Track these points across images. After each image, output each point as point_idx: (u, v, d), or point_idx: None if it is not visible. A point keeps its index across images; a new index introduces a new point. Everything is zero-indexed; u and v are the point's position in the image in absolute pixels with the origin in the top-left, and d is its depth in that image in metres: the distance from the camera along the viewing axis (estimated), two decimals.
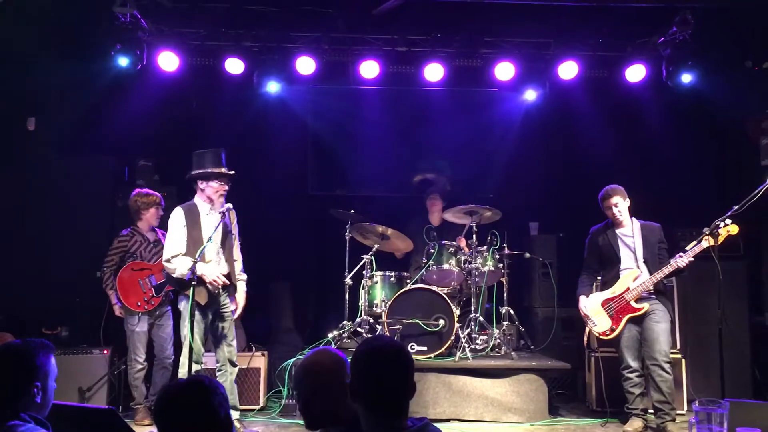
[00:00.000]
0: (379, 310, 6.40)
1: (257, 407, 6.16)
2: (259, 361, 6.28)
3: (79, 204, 6.65)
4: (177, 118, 7.48)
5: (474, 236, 6.42)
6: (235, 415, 5.24)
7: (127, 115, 6.78)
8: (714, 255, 4.95)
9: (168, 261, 5.10)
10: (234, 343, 5.36)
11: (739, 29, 6.61)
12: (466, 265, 6.45)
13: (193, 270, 4.82)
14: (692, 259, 5.19)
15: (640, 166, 7.51)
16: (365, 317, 6.40)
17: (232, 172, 5.27)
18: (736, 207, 4.78)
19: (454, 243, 6.58)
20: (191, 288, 4.79)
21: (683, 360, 6.10)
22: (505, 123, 7.81)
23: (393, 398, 2.23)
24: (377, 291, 6.53)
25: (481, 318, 6.40)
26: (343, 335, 6.36)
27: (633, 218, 5.58)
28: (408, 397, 2.26)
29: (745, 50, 6.90)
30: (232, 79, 6.98)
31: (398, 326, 6.04)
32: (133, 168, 7.11)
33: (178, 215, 5.20)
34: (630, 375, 5.41)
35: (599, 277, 5.73)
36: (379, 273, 6.59)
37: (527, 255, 6.88)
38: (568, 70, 6.94)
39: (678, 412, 5.64)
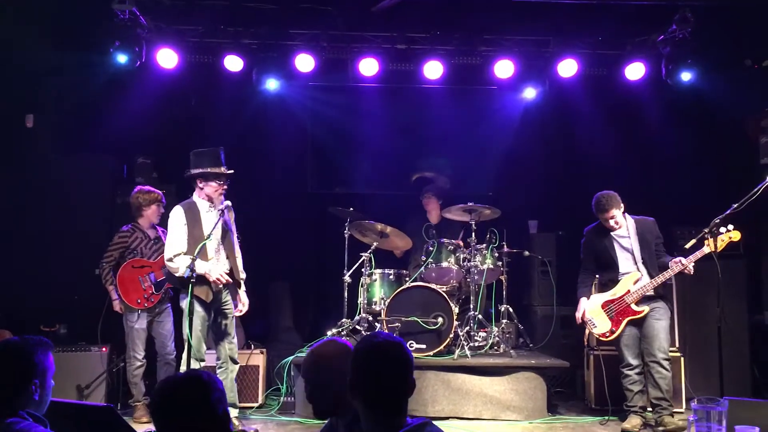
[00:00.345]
0: (378, 308, 6.39)
1: (256, 405, 6.16)
2: (258, 358, 6.28)
3: (78, 201, 6.64)
4: (176, 115, 7.47)
5: (473, 234, 6.42)
6: (234, 412, 5.24)
7: (125, 112, 6.77)
8: (714, 254, 4.94)
9: (170, 260, 5.11)
10: (235, 340, 5.37)
11: (738, 27, 6.61)
12: (465, 263, 6.45)
13: (192, 267, 4.82)
14: (693, 264, 5.20)
15: (640, 164, 7.52)
16: (364, 315, 6.40)
17: (231, 171, 5.26)
18: (735, 205, 4.78)
19: (453, 241, 6.58)
20: (189, 285, 4.78)
21: (682, 358, 6.10)
22: (504, 121, 7.79)
23: (392, 395, 2.22)
24: (376, 289, 6.53)
25: (480, 316, 6.40)
26: (342, 333, 6.36)
27: (626, 215, 5.56)
28: (407, 395, 2.25)
29: (744, 48, 6.89)
30: (231, 77, 6.97)
31: (397, 324, 6.05)
32: (132, 166, 7.10)
33: (178, 214, 5.19)
34: (629, 372, 5.42)
35: (597, 276, 5.73)
36: (378, 271, 6.59)
37: (526, 253, 6.89)
38: (567, 68, 6.93)
39: (677, 410, 5.65)
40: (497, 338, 6.35)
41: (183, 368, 4.96)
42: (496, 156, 7.97)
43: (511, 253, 6.73)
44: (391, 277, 6.59)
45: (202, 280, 5.03)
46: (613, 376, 5.64)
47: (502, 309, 6.62)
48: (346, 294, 6.48)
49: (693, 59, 6.55)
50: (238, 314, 5.42)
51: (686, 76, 6.63)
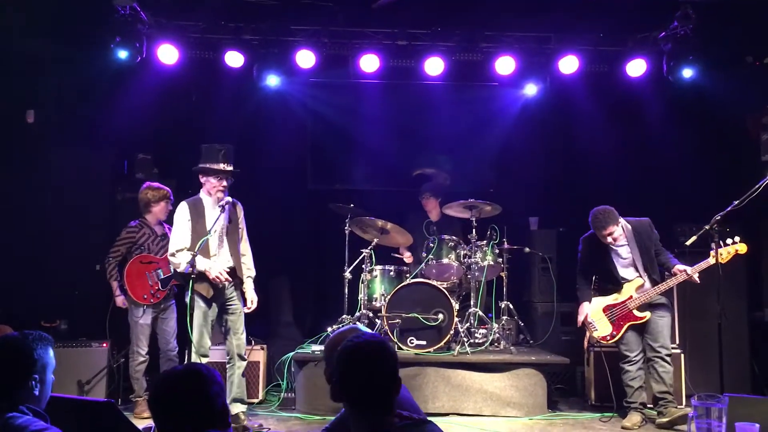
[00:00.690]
0: (378, 304, 6.40)
1: (256, 401, 6.17)
2: (259, 354, 6.29)
3: (78, 197, 6.63)
4: (176, 111, 7.46)
5: (474, 231, 6.42)
6: (242, 408, 5.29)
7: (126, 108, 6.76)
8: (714, 250, 4.94)
9: (173, 255, 5.14)
10: (243, 336, 5.37)
11: (740, 24, 6.59)
12: (465, 260, 6.45)
13: (192, 263, 4.84)
14: (698, 274, 5.20)
15: (640, 161, 7.50)
16: (364, 311, 6.40)
17: (230, 168, 5.24)
18: (736, 202, 4.77)
19: (454, 237, 6.57)
20: (190, 281, 4.80)
21: (682, 355, 6.10)
22: (505, 117, 7.78)
23: (377, 395, 2.20)
24: (376, 285, 6.54)
25: (480, 312, 6.41)
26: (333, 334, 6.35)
27: (622, 221, 5.50)
28: (393, 393, 2.22)
29: (746, 45, 6.88)
30: (232, 73, 6.96)
31: (397, 320, 6.06)
32: (133, 161, 7.10)
33: (182, 210, 5.23)
34: (630, 368, 5.42)
35: (595, 278, 5.70)
36: (379, 267, 6.59)
37: (527, 250, 6.90)
38: (568, 64, 6.92)
39: (678, 406, 5.65)
40: (497, 335, 6.35)
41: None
42: (496, 152, 7.96)
43: (512, 249, 6.73)
44: (392, 273, 6.60)
45: (203, 276, 5.05)
46: (612, 372, 5.65)
47: (503, 305, 6.62)
48: (346, 290, 6.48)
49: (694, 56, 6.54)
50: (246, 311, 5.41)
51: (687, 73, 6.62)
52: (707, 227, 4.95)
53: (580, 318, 5.61)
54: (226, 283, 5.18)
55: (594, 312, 5.54)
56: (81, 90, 6.79)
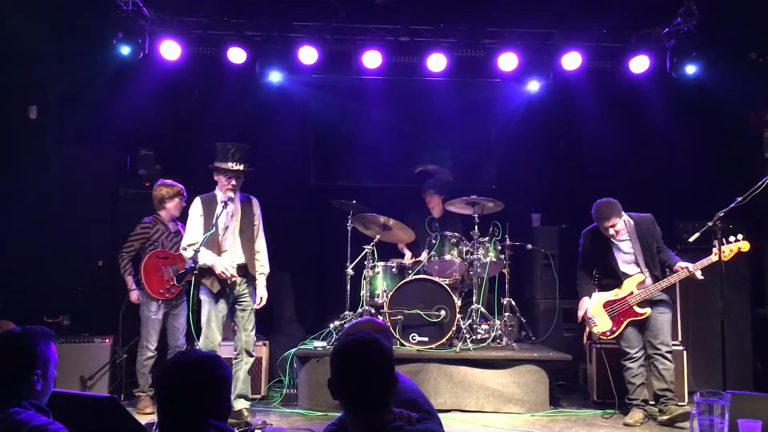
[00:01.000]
0: (380, 301, 6.40)
1: (258, 396, 6.17)
2: (261, 350, 6.29)
3: (81, 193, 6.64)
4: (179, 107, 7.46)
5: (476, 227, 6.41)
6: (246, 404, 5.32)
7: (128, 104, 6.77)
8: (717, 246, 4.93)
9: (184, 249, 5.22)
10: (252, 333, 5.40)
11: (743, 20, 6.57)
12: (467, 256, 6.45)
13: (194, 258, 4.90)
14: (700, 271, 5.19)
15: (643, 157, 7.49)
16: (367, 307, 6.40)
17: (238, 167, 5.26)
18: (739, 199, 4.76)
19: (456, 234, 6.57)
20: (192, 276, 4.88)
21: (685, 352, 6.09)
22: (507, 114, 7.78)
23: (372, 393, 2.19)
24: (379, 281, 6.54)
25: (482, 309, 6.41)
26: (345, 325, 6.36)
27: (624, 214, 5.49)
28: (385, 391, 2.21)
29: (749, 42, 6.86)
30: (234, 69, 6.96)
31: (399, 317, 6.06)
32: (135, 157, 7.09)
33: (196, 205, 5.30)
34: (631, 365, 5.41)
35: (596, 274, 5.70)
36: (381, 263, 6.60)
37: (529, 246, 6.89)
38: (571, 60, 6.91)
39: (679, 403, 5.65)
40: (499, 331, 6.35)
41: None
42: (499, 149, 7.96)
43: (514, 246, 6.73)
44: (394, 269, 6.60)
45: (210, 270, 5.12)
46: (614, 369, 5.65)
47: (505, 302, 6.62)
48: (348, 287, 6.48)
49: (698, 52, 6.51)
50: (255, 307, 5.42)
51: (691, 69, 6.60)
52: (710, 224, 4.94)
53: (580, 313, 5.61)
54: (235, 279, 5.21)
55: (594, 307, 5.53)
56: (83, 86, 6.78)
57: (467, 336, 6.07)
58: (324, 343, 6.08)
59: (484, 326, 6.41)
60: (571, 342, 6.83)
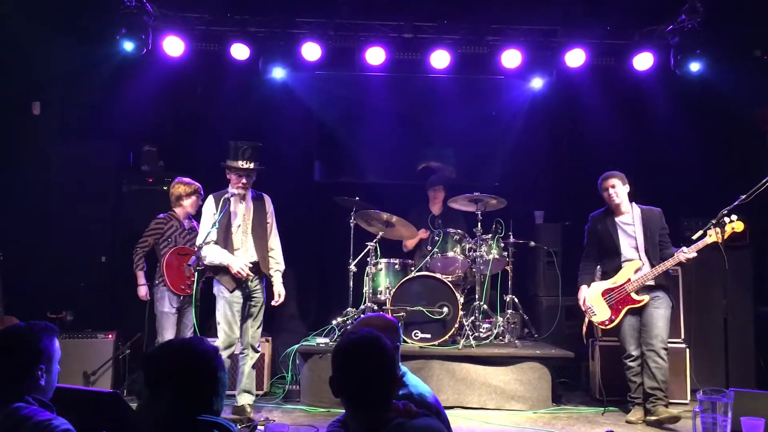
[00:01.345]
0: (383, 298, 6.40)
1: (261, 393, 6.17)
2: (264, 346, 6.29)
3: (84, 189, 6.65)
4: (182, 103, 7.46)
5: (479, 224, 6.41)
6: (250, 399, 5.36)
7: (132, 100, 6.78)
8: (720, 244, 4.92)
9: (199, 247, 5.20)
10: (259, 329, 5.44)
11: (748, 18, 6.55)
12: (470, 253, 6.45)
13: (197, 256, 4.93)
14: (695, 254, 5.18)
15: (647, 155, 7.48)
16: (369, 304, 6.39)
17: (248, 166, 5.26)
18: (743, 196, 4.75)
19: (459, 231, 6.57)
20: (196, 273, 4.92)
21: (687, 349, 6.09)
22: (511, 111, 7.76)
23: (373, 391, 2.18)
24: (381, 278, 6.53)
25: (485, 306, 6.40)
26: (347, 322, 6.36)
27: (633, 204, 5.54)
28: (386, 390, 2.21)
29: (753, 39, 6.84)
30: (238, 65, 6.96)
31: (402, 313, 6.06)
32: (138, 153, 7.10)
33: (209, 203, 5.32)
34: (631, 363, 5.41)
35: (599, 266, 5.71)
36: (384, 260, 6.59)
37: (532, 243, 6.88)
38: (575, 57, 6.90)
39: (681, 401, 5.66)
40: (502, 328, 6.35)
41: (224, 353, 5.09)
42: (502, 146, 7.93)
43: (517, 243, 6.72)
44: (397, 266, 6.59)
45: (226, 269, 5.18)
46: (617, 366, 5.63)
47: (508, 299, 6.62)
48: (351, 283, 6.47)
49: (702, 49, 6.49)
50: (274, 304, 5.48)
51: (695, 67, 6.58)
52: (714, 221, 4.93)
53: (580, 302, 5.60)
54: (249, 277, 5.24)
55: (593, 296, 5.53)
56: (87, 82, 6.78)
57: (470, 333, 6.07)
58: (326, 340, 6.08)
59: (487, 323, 6.41)
60: (574, 339, 6.81)
